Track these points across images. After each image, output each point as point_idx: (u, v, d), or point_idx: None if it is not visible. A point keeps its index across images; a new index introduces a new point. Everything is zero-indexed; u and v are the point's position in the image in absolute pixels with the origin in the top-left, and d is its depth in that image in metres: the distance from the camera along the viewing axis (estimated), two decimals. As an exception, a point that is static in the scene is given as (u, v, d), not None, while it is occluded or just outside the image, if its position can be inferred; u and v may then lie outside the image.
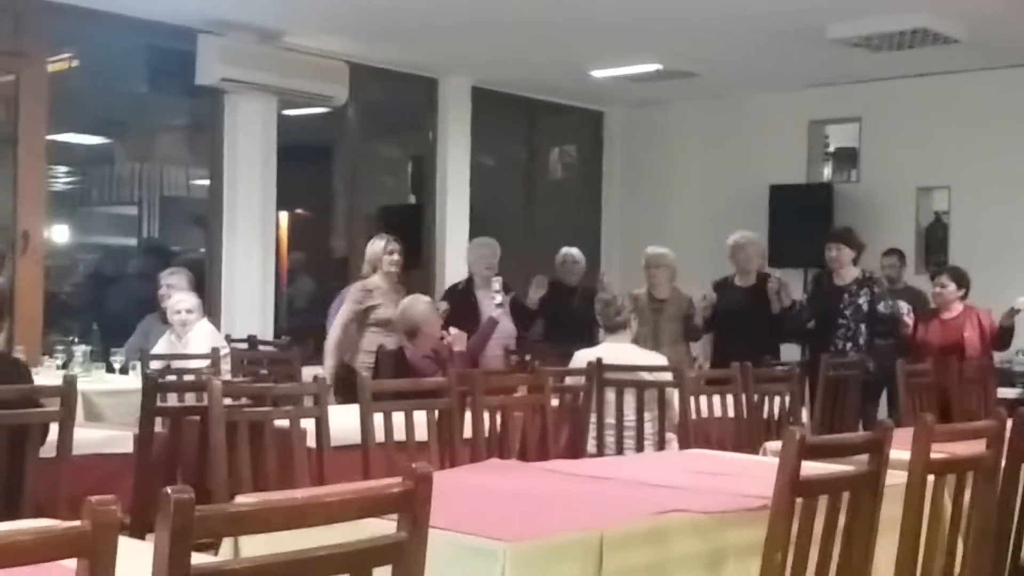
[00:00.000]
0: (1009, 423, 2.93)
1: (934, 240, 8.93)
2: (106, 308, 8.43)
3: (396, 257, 6.63)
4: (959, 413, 5.50)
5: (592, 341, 6.46)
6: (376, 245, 6.69)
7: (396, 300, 6.36)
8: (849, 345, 6.70)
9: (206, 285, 7.60)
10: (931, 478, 2.63)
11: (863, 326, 6.73)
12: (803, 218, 8.90)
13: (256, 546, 1.91)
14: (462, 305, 6.79)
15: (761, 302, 6.90)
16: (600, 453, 5.11)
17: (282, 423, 3.62)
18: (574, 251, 7.73)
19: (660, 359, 5.61)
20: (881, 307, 6.74)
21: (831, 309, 6.75)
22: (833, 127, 9.57)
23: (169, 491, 1.38)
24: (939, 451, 2.69)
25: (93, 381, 5.66)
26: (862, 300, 6.73)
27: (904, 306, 6.80)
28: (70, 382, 3.60)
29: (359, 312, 6.41)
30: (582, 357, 5.37)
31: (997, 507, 2.90)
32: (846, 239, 6.90)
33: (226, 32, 7.37)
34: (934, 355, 6.20)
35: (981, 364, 6.28)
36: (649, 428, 5.13)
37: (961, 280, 6.68)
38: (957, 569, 2.79)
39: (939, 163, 8.70)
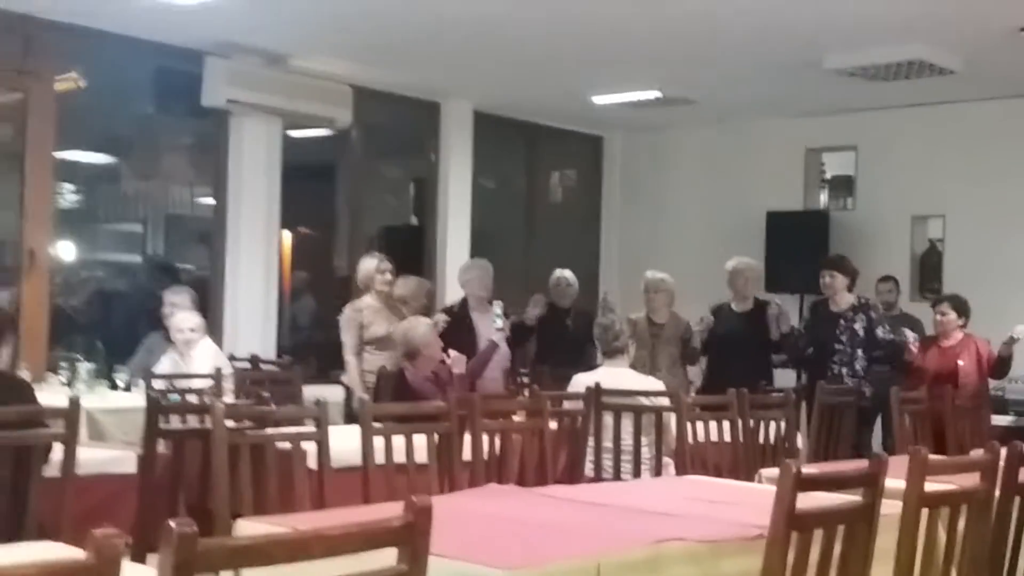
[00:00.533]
0: (1003, 455, 2.98)
1: (929, 267, 9.00)
2: (110, 325, 8.47)
3: (388, 276, 6.67)
4: (953, 442, 5.55)
5: (585, 362, 6.52)
6: (368, 264, 6.71)
7: (388, 318, 6.45)
8: (846, 371, 6.75)
9: (209, 303, 7.64)
10: (925, 511, 2.67)
11: (860, 351, 6.77)
12: (799, 244, 8.96)
13: (256, 574, 1.95)
14: (458, 327, 6.79)
15: (757, 328, 6.96)
16: (598, 477, 5.15)
17: (284, 445, 3.66)
18: (567, 273, 7.78)
19: (657, 384, 5.66)
20: (880, 332, 6.79)
21: (828, 335, 6.80)
22: (829, 155, 9.64)
23: (172, 524, 1.41)
24: (933, 481, 2.74)
25: (97, 399, 5.70)
26: (858, 326, 6.79)
27: (910, 334, 6.85)
28: (74, 403, 3.63)
29: (357, 331, 6.46)
30: (580, 381, 5.41)
31: (991, 538, 2.94)
32: (840, 266, 6.95)
33: (233, 55, 7.43)
34: (929, 382, 6.27)
35: (976, 392, 6.32)
36: (646, 452, 5.17)
37: (962, 309, 6.73)
38: (949, 599, 2.83)
39: (934, 191, 8.77)
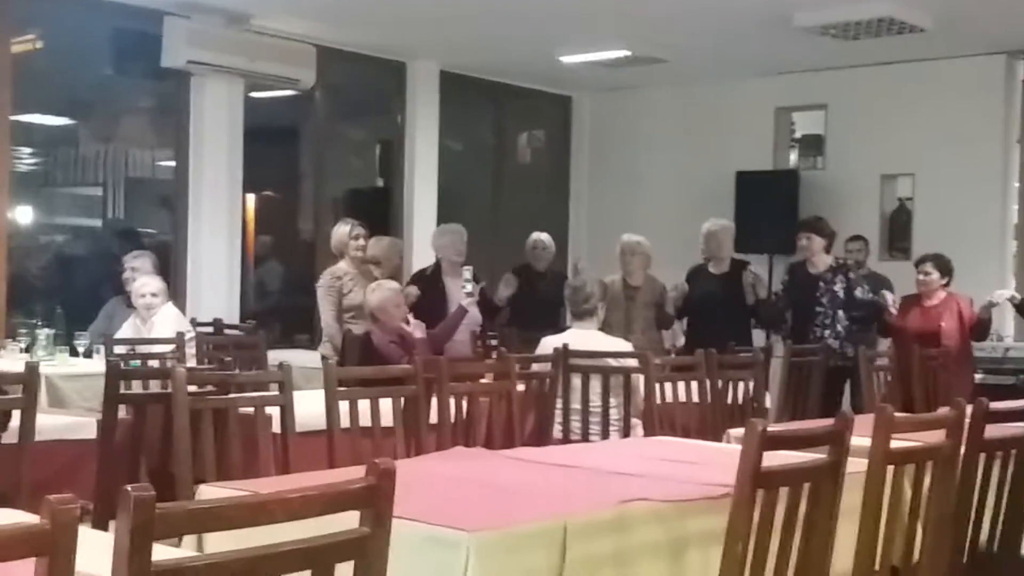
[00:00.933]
0: (968, 413, 2.97)
1: (898, 226, 9.02)
2: (70, 291, 8.36)
3: (362, 242, 6.60)
4: (922, 400, 5.57)
5: (558, 326, 6.49)
6: (341, 230, 6.63)
7: (365, 285, 6.30)
8: (828, 332, 6.74)
9: (171, 268, 7.56)
10: (891, 468, 2.66)
11: (841, 313, 6.77)
12: (769, 204, 8.96)
13: (219, 539, 1.91)
14: (430, 291, 6.75)
15: (734, 289, 6.95)
16: (566, 439, 5.13)
17: (247, 409, 3.62)
18: (544, 237, 7.74)
19: (626, 345, 5.64)
20: (858, 292, 6.79)
21: (807, 298, 6.79)
22: (799, 114, 9.62)
23: (130, 488, 1.38)
24: (901, 439, 2.73)
25: (57, 365, 5.62)
26: (838, 287, 6.78)
27: (889, 296, 6.86)
28: (33, 369, 3.58)
29: (337, 298, 6.41)
30: (548, 343, 5.38)
31: (956, 495, 2.94)
32: (816, 228, 6.93)
33: (193, 14, 7.31)
34: (912, 341, 6.25)
35: (959, 353, 6.33)
36: (615, 414, 5.16)
37: (945, 268, 6.71)
38: (916, 556, 2.83)
39: (903, 150, 8.77)
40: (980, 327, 6.70)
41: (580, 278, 6.14)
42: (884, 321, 6.80)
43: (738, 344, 6.17)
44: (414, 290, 6.69)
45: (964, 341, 6.60)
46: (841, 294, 6.76)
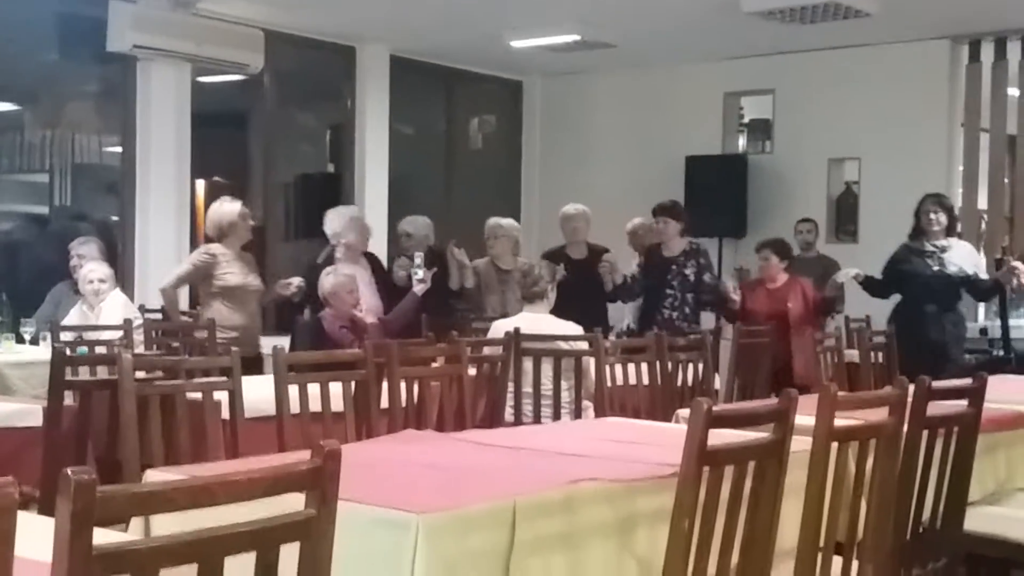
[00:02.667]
0: (911, 391, 3.02)
1: (845, 209, 9.13)
2: (16, 277, 8.24)
3: (251, 223, 6.28)
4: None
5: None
6: (229, 208, 6.14)
7: (243, 269, 6.06)
8: (676, 314, 6.94)
9: (119, 254, 7.48)
10: (835, 445, 2.70)
11: (690, 296, 6.98)
12: (718, 188, 9.04)
13: (166, 522, 1.90)
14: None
15: (592, 273, 7.01)
16: (518, 422, 5.15)
17: (195, 395, 3.59)
18: (504, 222, 7.60)
19: (577, 328, 5.66)
20: (706, 277, 7.04)
21: (660, 280, 6.97)
22: (748, 99, 9.70)
23: (70, 472, 1.36)
24: (846, 417, 2.77)
25: (2, 352, 5.55)
26: (689, 271, 6.98)
27: (730, 284, 7.07)
28: (-24, 356, 3.54)
29: (198, 275, 6.04)
30: (500, 327, 5.39)
31: (899, 472, 2.99)
32: (672, 212, 7.12)
33: (138, -2, 7.23)
34: (760, 323, 6.52)
35: (807, 330, 6.55)
36: (566, 397, 5.18)
37: (783, 252, 6.96)
38: (860, 532, 2.87)
39: (850, 135, 8.87)
40: (826, 305, 6.97)
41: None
42: (729, 308, 7.03)
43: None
44: (296, 280, 6.25)
45: (810, 321, 6.83)
46: (692, 278, 6.97)
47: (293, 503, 1.70)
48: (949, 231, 6.65)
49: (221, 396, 3.66)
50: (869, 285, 7.01)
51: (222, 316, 5.91)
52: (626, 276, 7.10)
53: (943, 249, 6.60)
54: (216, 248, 6.06)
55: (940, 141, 8.58)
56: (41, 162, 9.35)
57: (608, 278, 6.98)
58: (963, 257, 6.65)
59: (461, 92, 10.23)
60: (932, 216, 6.62)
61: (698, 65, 9.40)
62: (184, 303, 7.54)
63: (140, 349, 5.55)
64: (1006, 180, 8.92)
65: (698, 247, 7.16)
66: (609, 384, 4.96)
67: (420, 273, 6.36)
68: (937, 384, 3.15)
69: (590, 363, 5.11)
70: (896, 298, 6.74)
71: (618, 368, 5.06)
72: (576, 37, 8.33)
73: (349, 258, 6.39)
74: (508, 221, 7.24)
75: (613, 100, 9.98)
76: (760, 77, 9.29)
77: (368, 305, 6.20)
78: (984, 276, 6.72)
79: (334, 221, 6.53)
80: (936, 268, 6.58)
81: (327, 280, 5.60)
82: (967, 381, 3.33)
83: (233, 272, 6.01)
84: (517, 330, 5.22)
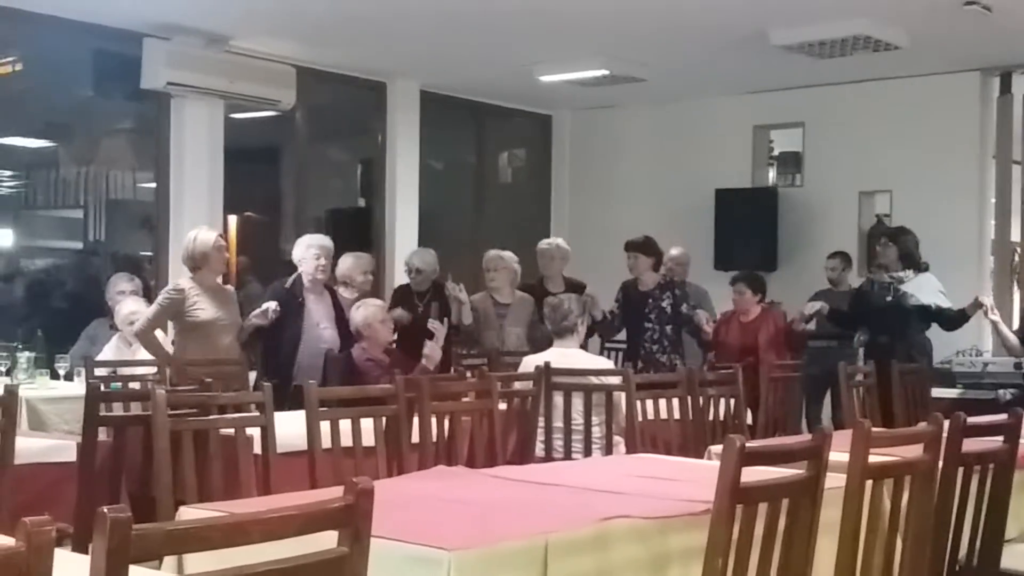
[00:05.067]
0: (946, 427, 2.99)
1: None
2: (51, 313, 8.33)
3: (227, 255, 6.13)
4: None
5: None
6: (203, 238, 5.91)
7: (215, 303, 5.88)
8: (656, 347, 7.01)
9: (154, 290, 7.53)
10: (869, 482, 2.68)
11: (668, 328, 7.07)
12: (748, 221, 9.02)
13: (199, 559, 1.91)
14: (288, 306, 6.16)
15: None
16: (548, 457, 5.14)
17: (228, 431, 3.61)
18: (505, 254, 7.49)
19: (607, 363, 5.65)
20: (684, 308, 7.14)
21: (638, 314, 7.04)
22: (777, 132, 9.67)
23: (106, 510, 1.38)
24: (880, 454, 2.74)
25: (37, 388, 5.60)
26: (665, 303, 7.08)
27: (703, 314, 7.18)
28: (11, 392, 3.57)
29: (168, 313, 5.85)
30: (530, 362, 5.39)
31: (935, 509, 2.96)
32: (642, 248, 7.23)
33: (172, 36, 7.32)
34: (734, 355, 6.65)
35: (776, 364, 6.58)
36: (597, 432, 5.17)
37: (757, 286, 7.12)
38: (896, 571, 2.84)
39: (881, 167, 8.83)
40: (797, 338, 7.10)
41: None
42: (703, 338, 7.19)
43: None
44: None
45: (781, 353, 6.91)
46: (668, 310, 7.07)
47: (326, 540, 1.71)
48: (907, 263, 6.90)
49: (254, 431, 3.68)
50: (835, 318, 7.24)
51: (190, 354, 5.70)
52: (605, 312, 7.12)
53: (900, 281, 6.85)
54: (185, 283, 5.88)
55: (972, 173, 8.53)
56: (76, 198, 9.48)
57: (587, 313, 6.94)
58: (921, 288, 6.85)
59: (490, 126, 10.28)
60: (879, 249, 7.02)
61: (727, 98, 9.41)
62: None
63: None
64: (1039, 212, 8.86)
65: (672, 279, 7.30)
66: (640, 419, 4.95)
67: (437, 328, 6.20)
68: (973, 420, 3.13)
69: (621, 398, 5.09)
70: None
71: (649, 403, 5.04)
72: (604, 72, 8.36)
73: (311, 287, 6.22)
74: (508, 253, 7.18)
75: (642, 134, 9.99)
76: (790, 110, 9.28)
77: (326, 339, 6.10)
78: (946, 306, 6.84)
79: (298, 248, 6.36)
80: (890, 299, 6.80)
81: (358, 313, 5.61)
82: (1002, 417, 3.30)
83: (203, 308, 5.80)
84: (547, 364, 5.22)
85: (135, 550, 1.43)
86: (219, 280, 6.14)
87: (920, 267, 7.03)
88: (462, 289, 6.86)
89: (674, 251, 7.85)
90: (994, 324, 6.44)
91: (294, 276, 6.29)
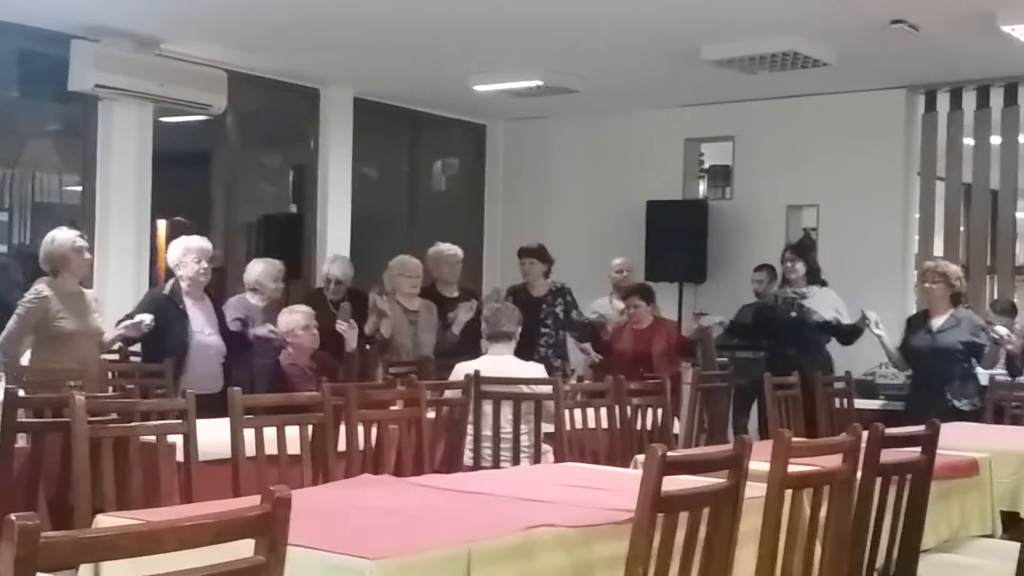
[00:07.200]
0: (865, 438, 3.04)
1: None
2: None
3: (88, 256, 5.73)
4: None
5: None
6: (62, 238, 5.54)
7: (77, 311, 5.58)
8: (551, 352, 7.20)
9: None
10: (789, 492, 2.71)
11: (563, 333, 7.33)
12: (679, 233, 9.11)
13: (116, 568, 1.88)
14: (168, 313, 5.91)
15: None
16: (477, 465, 5.13)
17: (149, 438, 3.56)
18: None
19: (539, 371, 5.66)
20: (574, 315, 7.37)
21: (531, 320, 7.03)
22: (708, 145, 9.79)
23: (13, 517, 1.35)
24: (800, 463, 2.78)
25: (-45, 394, 5.45)
26: (558, 309, 7.30)
27: (598, 323, 7.42)
28: (-74, 397, 3.48)
29: (30, 324, 5.47)
30: (462, 370, 5.39)
31: (853, 519, 3.00)
32: (539, 255, 7.43)
33: (101, 38, 7.22)
34: (627, 363, 6.78)
35: (671, 370, 6.81)
36: (526, 440, 5.17)
37: (648, 297, 7.28)
38: (814, 579, 2.88)
39: (808, 182, 8.97)
40: (688, 347, 7.33)
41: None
42: (602, 341, 7.38)
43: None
44: (148, 317, 5.77)
45: (673, 361, 7.14)
46: (562, 316, 7.31)
47: (246, 548, 1.69)
48: (811, 279, 7.14)
49: (176, 439, 3.63)
50: (736, 331, 7.47)
51: (47, 365, 5.40)
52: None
53: (803, 296, 7.08)
54: (46, 290, 5.50)
55: (897, 189, 8.70)
56: (0, 201, 9.27)
57: (463, 319, 6.91)
58: (822, 303, 7.07)
59: (425, 135, 10.27)
60: (789, 265, 7.20)
61: (659, 111, 9.50)
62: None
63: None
64: (962, 228, 9.05)
65: (562, 286, 7.44)
66: (569, 428, 4.97)
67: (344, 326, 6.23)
68: (891, 431, 3.18)
69: (550, 407, 5.10)
70: None
71: (578, 412, 5.06)
72: (539, 82, 8.40)
73: (192, 292, 5.95)
74: (409, 258, 7.13)
75: (575, 145, 10.05)
76: (720, 124, 9.40)
77: (212, 346, 5.90)
78: (846, 321, 7.02)
79: (174, 252, 6.03)
80: (794, 314, 7.03)
81: (282, 320, 5.57)
82: (920, 428, 3.36)
83: (67, 318, 5.49)
84: (477, 373, 5.21)
85: (44, 559, 1.40)
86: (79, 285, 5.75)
87: (822, 282, 7.27)
88: (387, 301, 6.81)
89: (616, 260, 7.92)
90: (879, 338, 6.57)
91: (171, 282, 6.02)
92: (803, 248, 7.41)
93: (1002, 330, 6.28)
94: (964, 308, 6.65)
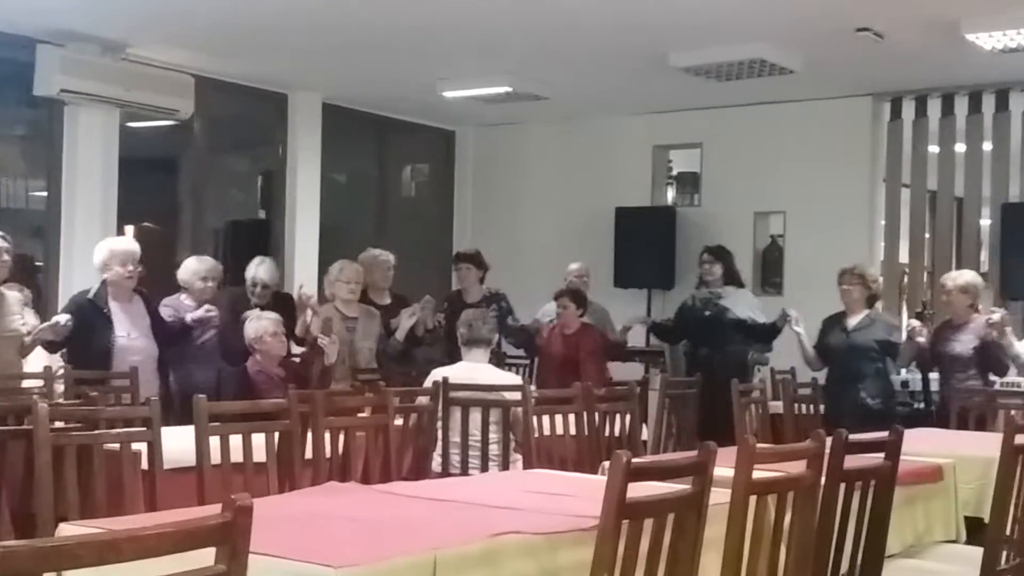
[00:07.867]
0: (828, 444, 3.06)
1: (770, 262, 9.27)
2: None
3: (6, 258, 5.57)
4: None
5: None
6: None
7: (9, 311, 5.51)
8: (490, 358, 7.09)
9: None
10: (753, 498, 2.72)
11: (499, 338, 7.26)
12: (647, 240, 9.15)
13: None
14: (93, 316, 5.84)
15: (391, 321, 6.92)
16: (445, 472, 5.13)
17: (113, 446, 3.53)
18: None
19: (515, 378, 5.66)
20: (509, 320, 7.44)
21: None
22: (676, 152, 9.84)
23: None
24: (765, 470, 2.79)
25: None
26: (493, 315, 7.10)
27: (543, 320, 7.53)
28: None
29: None
30: (436, 375, 5.38)
31: (817, 525, 3.02)
32: (475, 260, 7.52)
33: (67, 43, 7.17)
34: (556, 365, 7.03)
35: (598, 373, 6.99)
36: (495, 447, 5.17)
37: (579, 301, 7.36)
38: (779, 585, 2.89)
39: (775, 188, 9.03)
40: (615, 349, 7.48)
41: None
42: (536, 346, 7.49)
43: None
44: (64, 317, 5.64)
45: (601, 364, 7.30)
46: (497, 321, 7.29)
47: (208, 557, 1.68)
48: (728, 280, 7.35)
49: (140, 447, 3.60)
50: (657, 331, 7.65)
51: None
52: (436, 323, 7.04)
53: (719, 296, 7.29)
54: None
55: (862, 196, 8.77)
56: (-37, 206, 9.19)
57: (419, 325, 6.80)
58: (737, 303, 7.29)
59: (394, 141, 10.26)
60: (707, 266, 7.39)
61: (628, 118, 9.53)
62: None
63: (61, 398, 5.41)
64: (927, 235, 9.13)
65: (497, 292, 7.49)
66: (537, 435, 4.97)
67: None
68: (854, 437, 3.20)
69: (519, 413, 5.11)
70: None
71: (546, 419, 5.06)
72: (508, 89, 8.41)
73: (118, 295, 5.83)
74: (347, 264, 6.87)
75: (544, 151, 10.07)
76: (688, 131, 9.44)
77: (140, 350, 5.80)
78: (761, 320, 7.23)
79: (99, 254, 5.93)
80: (709, 313, 7.24)
81: (250, 326, 5.54)
82: (884, 434, 3.38)
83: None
84: (446, 379, 5.21)
85: (1, 568, 1.39)
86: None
87: (739, 284, 7.47)
88: (330, 323, 6.56)
89: (573, 265, 7.94)
90: (797, 335, 6.71)
91: (96, 286, 5.90)
92: (721, 250, 7.55)
93: (915, 322, 6.51)
94: (879, 310, 6.92)
